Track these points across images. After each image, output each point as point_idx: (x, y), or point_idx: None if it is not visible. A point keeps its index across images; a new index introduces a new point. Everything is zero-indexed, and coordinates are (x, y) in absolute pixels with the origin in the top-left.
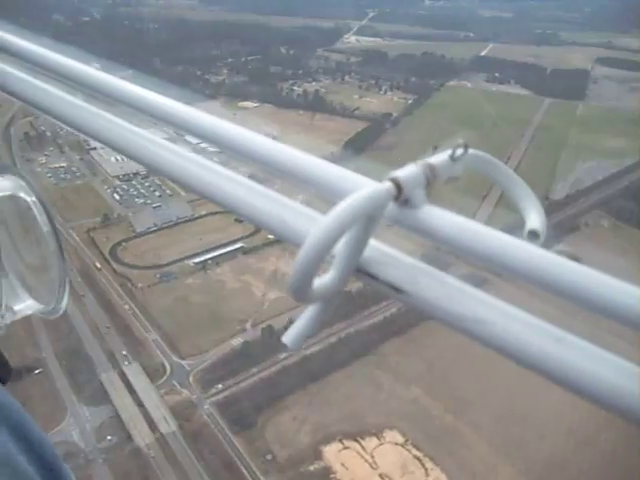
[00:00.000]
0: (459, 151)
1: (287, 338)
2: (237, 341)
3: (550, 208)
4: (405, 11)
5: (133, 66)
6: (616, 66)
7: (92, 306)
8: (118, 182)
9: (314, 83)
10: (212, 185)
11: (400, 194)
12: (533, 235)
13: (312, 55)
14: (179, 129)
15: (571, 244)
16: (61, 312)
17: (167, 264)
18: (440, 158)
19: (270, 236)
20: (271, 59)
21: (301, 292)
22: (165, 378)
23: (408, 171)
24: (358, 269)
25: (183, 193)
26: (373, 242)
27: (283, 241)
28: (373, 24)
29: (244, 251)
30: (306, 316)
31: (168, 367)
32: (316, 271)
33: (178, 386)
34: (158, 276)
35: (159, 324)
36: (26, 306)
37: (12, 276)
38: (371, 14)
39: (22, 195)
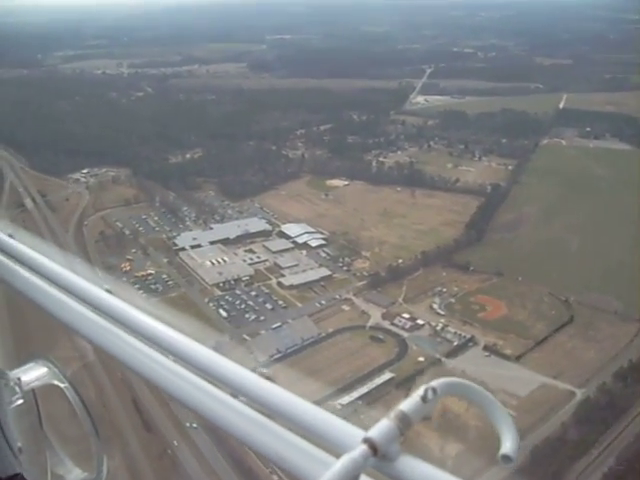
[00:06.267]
0: (430, 394)
1: None
2: None
3: None
4: (461, 65)
5: (200, 145)
6: None
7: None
8: (219, 292)
9: (399, 152)
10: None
11: (377, 452)
12: (506, 459)
13: (386, 120)
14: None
15: None
16: None
17: None
18: (412, 402)
19: (421, 359)
20: (345, 127)
21: None
22: None
23: (382, 428)
24: None
25: (299, 304)
26: None
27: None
28: (434, 81)
29: (396, 384)
30: None
31: None
32: None
33: None
34: None
35: None
36: (72, 475)
37: (58, 449)
38: (428, 70)
39: (56, 383)
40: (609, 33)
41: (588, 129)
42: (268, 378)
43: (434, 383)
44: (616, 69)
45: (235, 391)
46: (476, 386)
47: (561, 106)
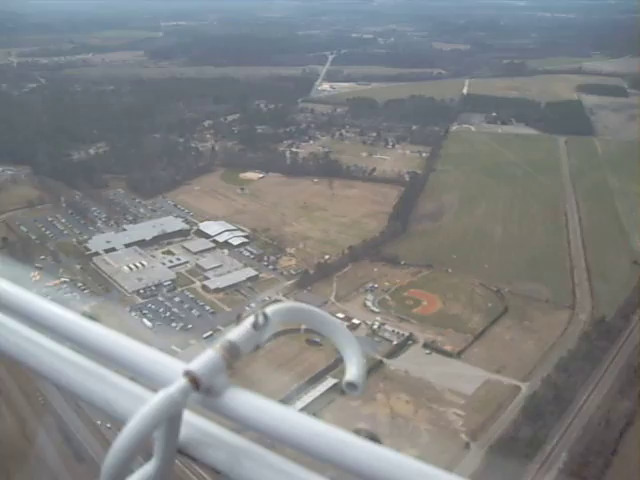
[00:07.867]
0: (261, 319)
1: None
2: None
3: None
4: (363, 50)
5: (103, 139)
6: (599, 93)
7: None
8: (140, 300)
9: (312, 142)
10: (38, 358)
11: (199, 386)
12: (351, 387)
13: (295, 108)
14: None
15: None
16: None
17: None
18: (241, 331)
19: None
20: (253, 117)
21: None
22: None
23: (205, 360)
24: (180, 451)
25: (227, 308)
26: (196, 421)
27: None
28: (337, 67)
29: (341, 390)
30: None
31: None
32: (128, 471)
33: None
34: None
35: None
36: None
37: None
38: (330, 57)
39: None
40: (500, 19)
41: (494, 114)
42: (89, 317)
43: (267, 309)
44: (512, 54)
45: (51, 332)
46: (318, 310)
47: (465, 92)
